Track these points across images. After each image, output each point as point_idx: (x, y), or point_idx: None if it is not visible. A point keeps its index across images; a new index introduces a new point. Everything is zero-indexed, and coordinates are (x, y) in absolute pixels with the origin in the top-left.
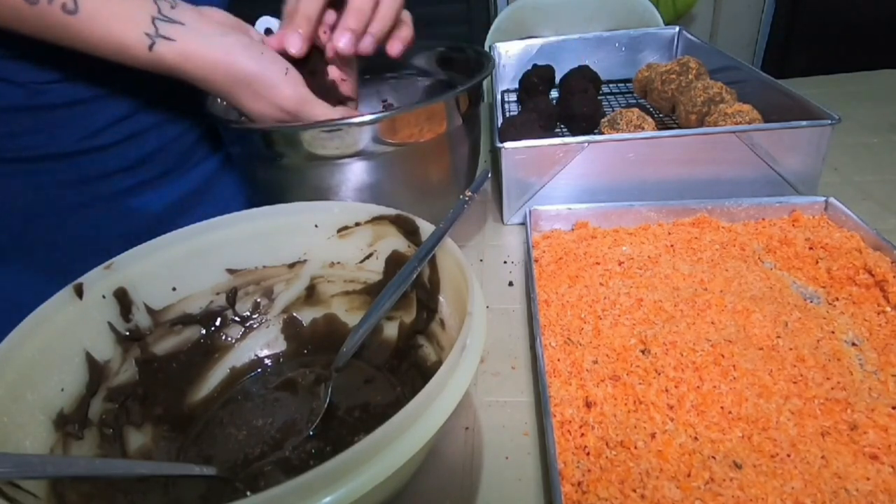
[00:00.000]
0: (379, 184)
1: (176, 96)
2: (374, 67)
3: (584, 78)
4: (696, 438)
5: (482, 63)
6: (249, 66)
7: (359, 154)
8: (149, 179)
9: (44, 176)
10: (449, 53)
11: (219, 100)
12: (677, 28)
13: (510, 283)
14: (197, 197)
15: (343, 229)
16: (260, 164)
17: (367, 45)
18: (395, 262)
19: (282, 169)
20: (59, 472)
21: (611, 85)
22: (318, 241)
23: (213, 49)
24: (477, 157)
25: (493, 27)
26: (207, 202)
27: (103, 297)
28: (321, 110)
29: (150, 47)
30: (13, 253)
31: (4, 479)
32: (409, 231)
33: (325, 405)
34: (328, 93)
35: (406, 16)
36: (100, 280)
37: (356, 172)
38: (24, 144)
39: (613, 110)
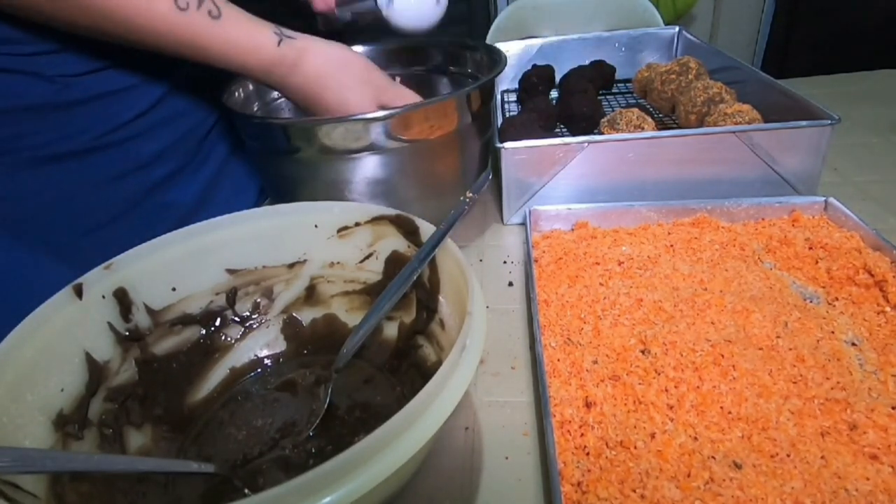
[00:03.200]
0: (390, 178)
1: (191, 88)
2: (380, 64)
3: (583, 78)
4: (695, 438)
5: (494, 60)
6: (351, 52)
7: (370, 149)
8: (176, 169)
9: (81, 173)
10: (458, 50)
11: (236, 94)
12: (677, 28)
13: (510, 284)
14: (216, 183)
15: (343, 229)
16: (276, 157)
17: None
18: (394, 262)
19: (297, 162)
20: (59, 467)
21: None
22: (318, 241)
23: (325, 44)
24: (488, 154)
25: (493, 27)
26: (225, 188)
27: (103, 297)
28: (400, 90)
29: (279, 43)
30: (64, 248)
31: (4, 472)
32: (409, 231)
33: (325, 406)
34: None
35: None
36: (99, 280)
37: (368, 167)
38: (48, 141)
39: (613, 110)
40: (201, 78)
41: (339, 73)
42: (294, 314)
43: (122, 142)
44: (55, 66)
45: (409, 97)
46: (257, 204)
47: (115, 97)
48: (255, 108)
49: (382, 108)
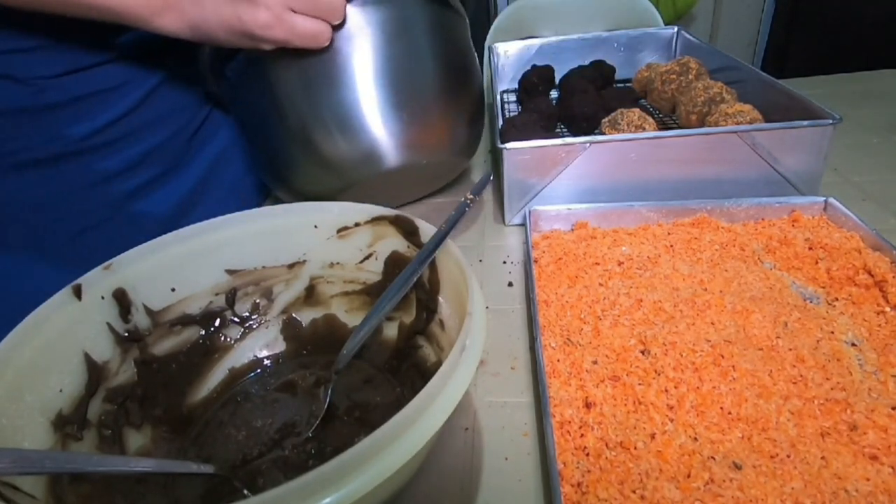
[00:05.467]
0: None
1: (174, 90)
2: None
3: (583, 78)
4: (695, 439)
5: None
6: None
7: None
8: (157, 175)
9: (57, 178)
10: None
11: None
12: (676, 28)
13: (510, 284)
14: (204, 186)
15: (342, 230)
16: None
17: None
18: (394, 262)
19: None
20: (58, 468)
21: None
22: (318, 241)
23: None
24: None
25: (493, 27)
26: (214, 189)
27: (102, 297)
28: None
29: None
30: (35, 249)
31: (3, 473)
32: (409, 231)
33: (325, 407)
34: None
35: None
36: (99, 281)
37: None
38: (26, 146)
39: (614, 110)
40: (182, 80)
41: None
42: (294, 314)
43: (98, 147)
44: (29, 68)
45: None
46: (257, 205)
47: (91, 101)
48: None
49: None
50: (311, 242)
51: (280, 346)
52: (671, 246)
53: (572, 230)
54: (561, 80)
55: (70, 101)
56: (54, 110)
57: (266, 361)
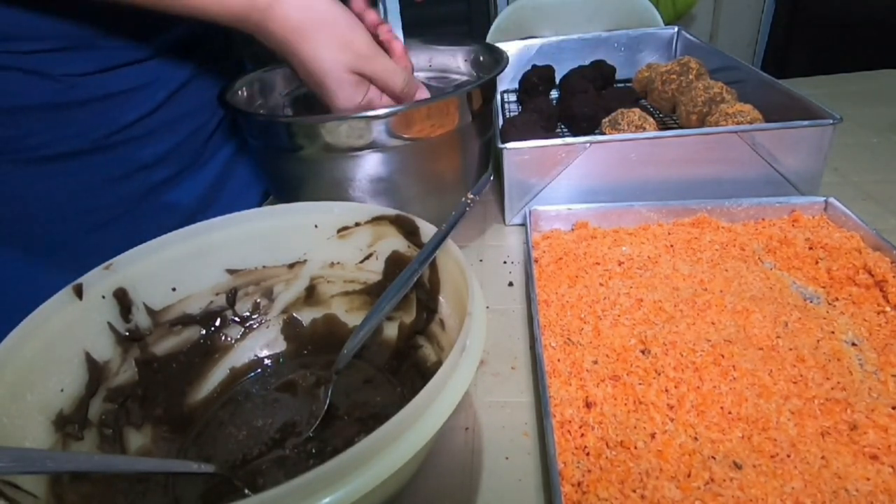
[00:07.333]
0: (391, 176)
1: (196, 90)
2: None
3: (584, 78)
4: (696, 439)
5: (495, 59)
6: (337, 9)
7: (372, 146)
8: (178, 172)
9: (82, 173)
10: (459, 50)
11: (239, 92)
12: (676, 28)
13: (510, 284)
14: (219, 185)
15: (343, 229)
16: (279, 155)
17: None
18: (394, 262)
19: (299, 160)
20: (59, 467)
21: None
22: (318, 241)
23: None
24: (489, 153)
25: (493, 27)
26: (229, 190)
27: (103, 297)
28: (386, 61)
29: None
30: (59, 251)
31: (4, 473)
32: (409, 231)
33: (325, 408)
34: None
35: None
36: (99, 280)
37: (370, 164)
38: (50, 140)
39: (614, 110)
40: (206, 80)
41: (316, 31)
42: (294, 314)
43: (123, 143)
44: (63, 65)
45: (391, 70)
46: (261, 204)
47: (120, 98)
48: (258, 106)
49: (359, 76)
50: (311, 242)
51: (280, 346)
52: (671, 246)
53: (572, 230)
54: (561, 80)
55: (96, 99)
56: (80, 107)
57: (266, 361)
